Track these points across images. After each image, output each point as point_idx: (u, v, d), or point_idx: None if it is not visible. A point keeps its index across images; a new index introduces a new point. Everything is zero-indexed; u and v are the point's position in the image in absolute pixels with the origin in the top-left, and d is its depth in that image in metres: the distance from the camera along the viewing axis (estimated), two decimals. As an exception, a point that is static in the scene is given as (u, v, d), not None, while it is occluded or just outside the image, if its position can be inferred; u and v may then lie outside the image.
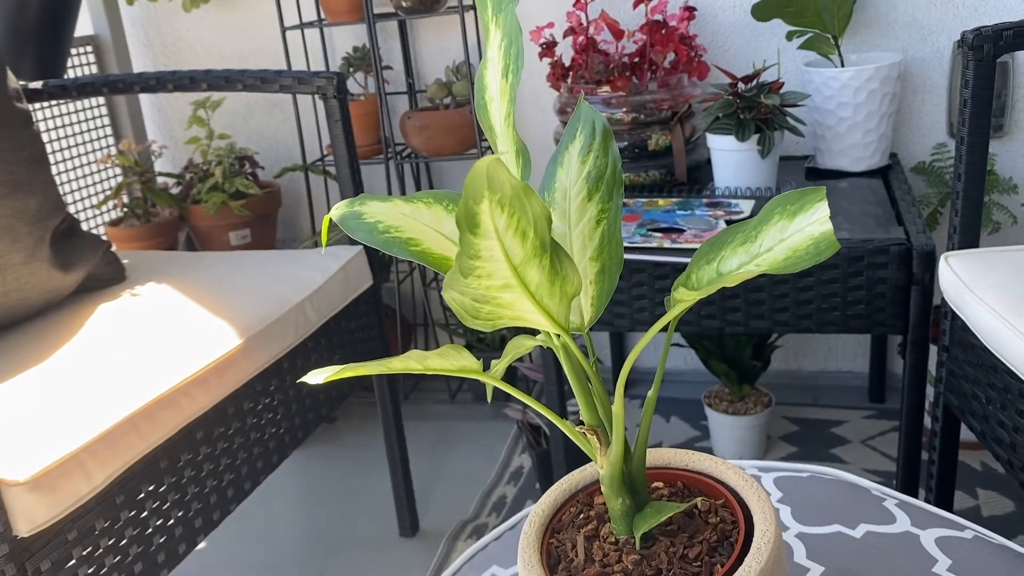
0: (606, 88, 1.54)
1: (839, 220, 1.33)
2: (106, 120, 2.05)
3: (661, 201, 1.47)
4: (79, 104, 1.96)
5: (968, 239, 1.18)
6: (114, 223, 1.91)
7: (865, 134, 1.53)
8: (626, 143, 1.55)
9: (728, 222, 1.33)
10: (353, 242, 1.47)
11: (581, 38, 1.58)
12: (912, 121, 1.72)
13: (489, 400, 0.77)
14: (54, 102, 1.88)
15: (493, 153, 0.44)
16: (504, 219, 0.41)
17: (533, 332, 1.33)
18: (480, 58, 1.89)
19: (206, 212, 1.85)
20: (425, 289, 2.03)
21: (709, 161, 1.54)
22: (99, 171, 2.02)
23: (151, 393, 0.98)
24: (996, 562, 0.67)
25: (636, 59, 1.59)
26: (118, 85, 1.44)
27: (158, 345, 1.08)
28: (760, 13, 1.60)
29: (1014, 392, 1.01)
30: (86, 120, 1.99)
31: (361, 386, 1.90)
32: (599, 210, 0.53)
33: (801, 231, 0.46)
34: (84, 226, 1.97)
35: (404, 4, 1.73)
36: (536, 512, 0.58)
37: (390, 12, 1.82)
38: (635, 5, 1.58)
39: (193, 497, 1.05)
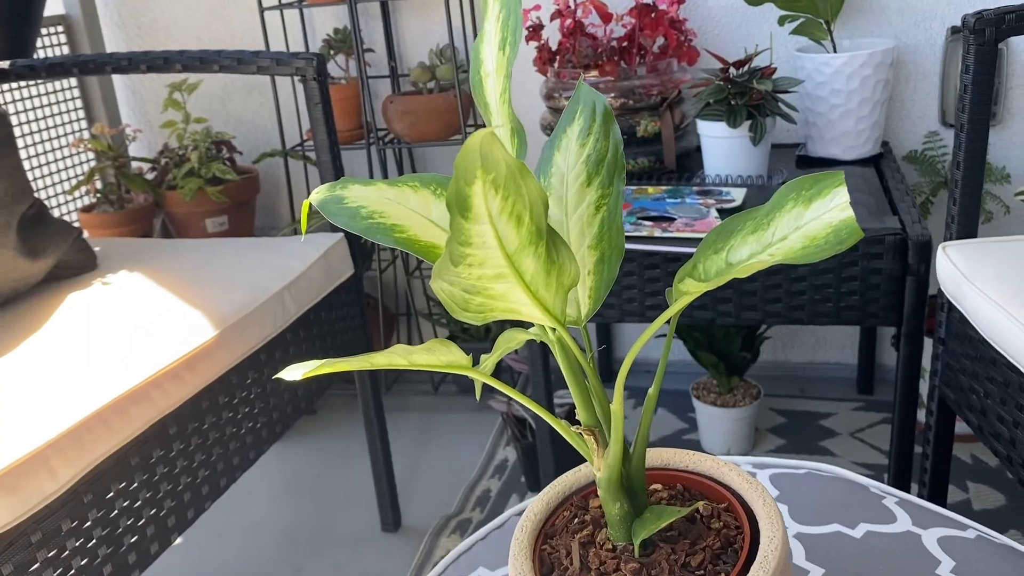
0: (594, 73, 1.50)
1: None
2: (78, 103, 1.99)
3: (651, 189, 1.43)
4: (50, 86, 1.90)
5: (966, 229, 1.15)
6: (87, 209, 1.86)
7: (858, 121, 1.51)
8: (614, 129, 1.51)
9: (719, 210, 1.30)
10: (335, 229, 1.43)
11: (568, 21, 1.54)
12: (904, 109, 1.69)
13: (478, 398, 0.73)
14: (23, 83, 1.83)
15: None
16: (498, 202, 0.37)
17: (524, 324, 1.29)
18: (465, 42, 1.86)
19: (182, 198, 1.80)
20: (408, 278, 1.99)
21: (699, 148, 1.51)
22: (71, 156, 1.96)
23: (121, 387, 0.94)
24: (1000, 563, 0.65)
25: (625, 43, 1.55)
26: (89, 65, 1.39)
27: (130, 336, 1.04)
28: (752, -3, 1.57)
29: (1014, 386, 0.98)
30: (57, 103, 1.93)
31: (342, 378, 1.86)
32: (599, 195, 0.49)
33: (818, 218, 0.43)
34: (56, 212, 1.91)
35: (387, -15, 1.69)
36: (528, 516, 0.55)
37: (372, -7, 1.78)
38: (624, -12, 1.55)
39: (166, 495, 1.01)
